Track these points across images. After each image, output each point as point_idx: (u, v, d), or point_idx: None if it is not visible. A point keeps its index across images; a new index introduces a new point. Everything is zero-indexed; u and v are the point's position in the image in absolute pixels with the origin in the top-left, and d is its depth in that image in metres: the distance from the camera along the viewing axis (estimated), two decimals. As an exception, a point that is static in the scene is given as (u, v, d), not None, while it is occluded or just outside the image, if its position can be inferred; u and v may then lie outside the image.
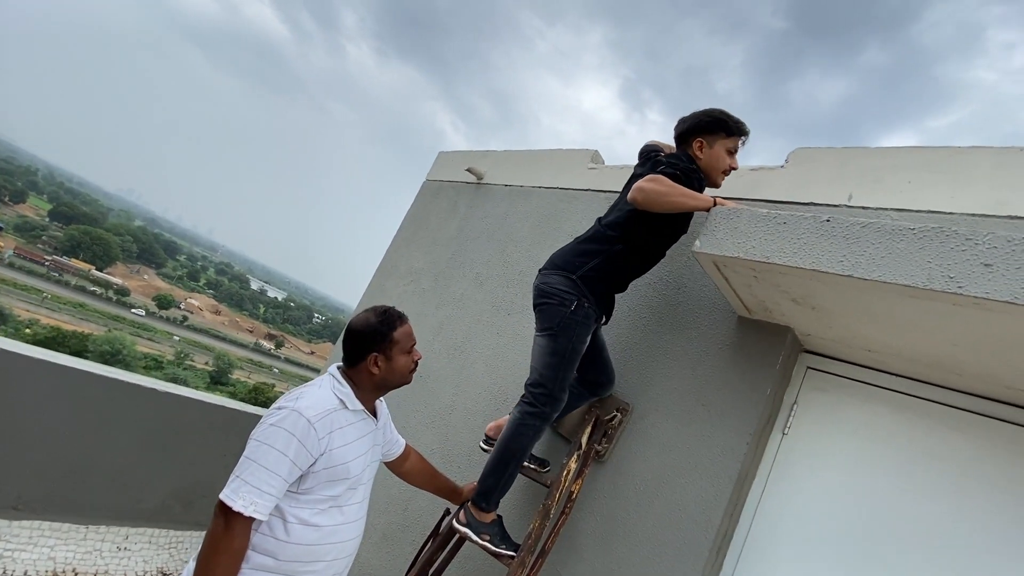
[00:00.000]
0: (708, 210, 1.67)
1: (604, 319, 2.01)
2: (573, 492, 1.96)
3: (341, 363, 1.58)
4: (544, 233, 2.96)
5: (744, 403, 1.86)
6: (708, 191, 1.90)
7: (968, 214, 1.69)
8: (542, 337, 1.88)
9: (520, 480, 2.10)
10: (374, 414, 1.62)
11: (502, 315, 2.84)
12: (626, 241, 1.89)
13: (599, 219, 2.03)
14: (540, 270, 1.99)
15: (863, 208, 1.89)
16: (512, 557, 1.75)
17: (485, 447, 2.16)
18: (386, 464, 1.84)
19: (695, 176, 1.83)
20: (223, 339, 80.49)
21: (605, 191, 2.80)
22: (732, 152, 1.92)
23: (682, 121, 1.95)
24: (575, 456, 1.98)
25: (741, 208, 1.58)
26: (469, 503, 1.85)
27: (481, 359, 2.77)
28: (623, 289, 2.01)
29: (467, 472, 2.47)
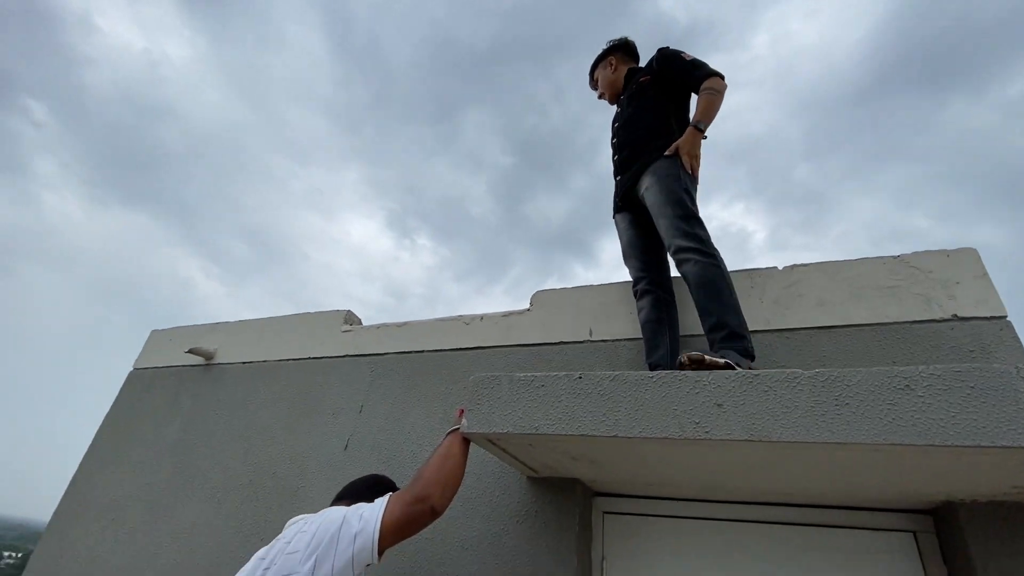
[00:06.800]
0: None
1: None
2: None
3: None
4: (300, 414, 2.45)
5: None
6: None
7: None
8: None
9: None
10: None
11: (253, 542, 2.13)
12: None
13: None
14: None
15: (603, 341, 2.00)
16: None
17: None
18: None
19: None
20: None
21: (365, 355, 2.50)
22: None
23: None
24: None
25: (500, 376, 1.46)
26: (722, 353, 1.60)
27: (226, 620, 1.97)
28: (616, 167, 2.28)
29: None
